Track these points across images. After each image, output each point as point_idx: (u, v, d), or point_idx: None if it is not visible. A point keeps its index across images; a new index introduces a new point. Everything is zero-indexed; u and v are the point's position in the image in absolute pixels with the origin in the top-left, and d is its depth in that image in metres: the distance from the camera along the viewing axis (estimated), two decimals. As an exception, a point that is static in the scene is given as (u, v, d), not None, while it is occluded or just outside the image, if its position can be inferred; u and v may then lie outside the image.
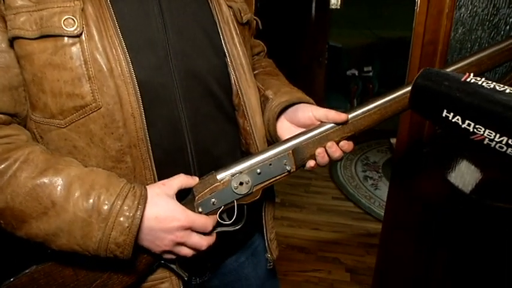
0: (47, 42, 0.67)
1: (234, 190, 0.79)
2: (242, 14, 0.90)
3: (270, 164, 0.80)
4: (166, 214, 0.72)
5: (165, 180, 0.76)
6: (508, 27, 1.41)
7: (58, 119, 0.71)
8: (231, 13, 0.86)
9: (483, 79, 0.68)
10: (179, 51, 0.77)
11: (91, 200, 0.68)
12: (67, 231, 0.68)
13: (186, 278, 0.81)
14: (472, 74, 0.69)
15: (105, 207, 0.68)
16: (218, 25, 0.83)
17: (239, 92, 0.85)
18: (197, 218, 0.76)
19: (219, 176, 0.79)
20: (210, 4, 0.83)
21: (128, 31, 0.72)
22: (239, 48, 0.85)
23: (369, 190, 3.63)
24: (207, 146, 0.84)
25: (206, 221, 0.77)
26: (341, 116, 0.80)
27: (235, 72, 0.84)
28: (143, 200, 0.70)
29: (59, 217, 0.67)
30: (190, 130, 0.80)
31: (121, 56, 0.70)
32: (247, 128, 0.88)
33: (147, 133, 0.73)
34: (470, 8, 1.41)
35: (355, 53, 6.08)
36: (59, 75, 0.68)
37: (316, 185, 3.72)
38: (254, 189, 0.80)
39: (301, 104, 0.90)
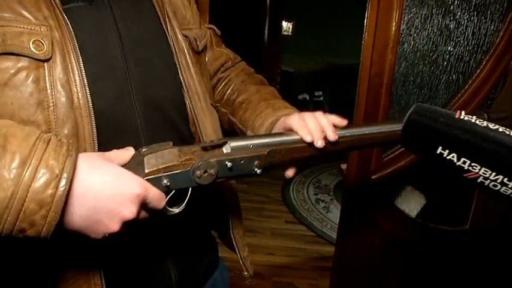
0: (9, 61, 0.63)
1: (196, 178, 0.66)
2: (198, 42, 0.90)
3: (242, 160, 0.71)
4: (116, 178, 0.59)
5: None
6: (445, 63, 1.52)
7: None
8: (187, 43, 0.86)
9: (474, 117, 0.68)
10: (139, 80, 0.76)
11: None
12: None
13: None
14: (463, 112, 0.69)
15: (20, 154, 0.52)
16: (175, 55, 0.83)
17: (195, 121, 0.85)
18: (152, 187, 0.62)
19: (181, 154, 0.66)
20: (167, 34, 0.83)
21: (88, 60, 0.70)
22: (195, 78, 0.86)
23: (321, 213, 3.69)
24: None
25: (160, 195, 0.63)
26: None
27: (191, 101, 0.84)
28: (74, 149, 0.57)
29: None
30: None
31: (81, 87, 0.67)
32: None
33: None
34: (412, 44, 1.52)
35: (306, 78, 6.24)
36: (14, 98, 0.63)
37: (269, 209, 3.74)
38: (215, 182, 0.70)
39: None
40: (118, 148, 0.68)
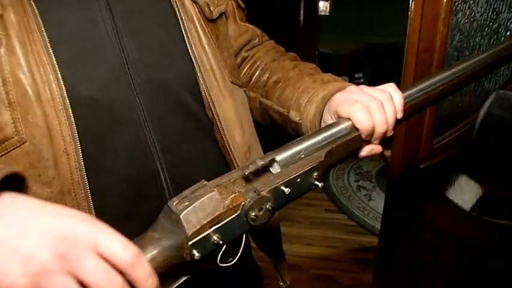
0: None
1: (251, 221, 0.51)
2: (212, 8, 0.76)
3: (299, 179, 0.55)
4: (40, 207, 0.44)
5: None
6: (508, 32, 1.32)
7: None
8: (197, 9, 0.72)
9: None
10: (138, 58, 0.64)
11: None
12: None
13: None
14: None
15: None
16: (182, 24, 0.70)
17: (210, 104, 0.71)
18: (113, 233, 0.43)
19: (222, 194, 0.51)
20: (171, 0, 0.71)
21: (67, 38, 0.59)
22: (208, 51, 0.72)
23: (362, 201, 3.52)
24: (186, 171, 0.68)
25: (132, 249, 0.43)
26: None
27: (204, 81, 0.71)
28: None
29: None
30: (163, 154, 0.65)
31: (53, 74, 0.55)
32: (225, 145, 0.74)
33: (84, 175, 0.58)
34: (467, 13, 1.32)
35: (345, 59, 6.02)
36: None
37: (308, 197, 3.56)
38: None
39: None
40: (111, 145, 0.57)
